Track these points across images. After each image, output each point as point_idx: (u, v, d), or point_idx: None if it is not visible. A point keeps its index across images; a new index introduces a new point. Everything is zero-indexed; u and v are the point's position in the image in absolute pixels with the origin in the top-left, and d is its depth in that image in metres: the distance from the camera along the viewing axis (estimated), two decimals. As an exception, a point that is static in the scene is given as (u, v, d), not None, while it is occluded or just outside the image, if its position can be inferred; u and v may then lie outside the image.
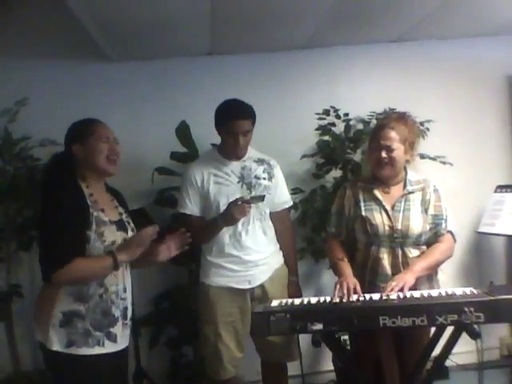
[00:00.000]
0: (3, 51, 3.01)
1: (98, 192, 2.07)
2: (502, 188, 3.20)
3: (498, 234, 3.11)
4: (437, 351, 2.18)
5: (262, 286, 2.55)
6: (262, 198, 2.43)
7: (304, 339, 2.62)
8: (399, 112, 2.40)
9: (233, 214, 2.36)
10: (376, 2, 2.72)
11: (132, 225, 2.16)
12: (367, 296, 2.11)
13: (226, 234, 2.51)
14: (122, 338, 2.05)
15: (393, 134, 2.27)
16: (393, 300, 2.03)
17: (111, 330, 2.00)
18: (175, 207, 2.85)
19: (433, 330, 2.20)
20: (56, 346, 1.91)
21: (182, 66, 3.31)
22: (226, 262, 2.53)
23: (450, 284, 2.49)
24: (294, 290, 2.64)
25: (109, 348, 1.98)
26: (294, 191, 3.20)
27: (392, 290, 2.08)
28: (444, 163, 3.12)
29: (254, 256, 2.53)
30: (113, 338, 2.00)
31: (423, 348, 2.24)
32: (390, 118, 2.37)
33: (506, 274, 3.54)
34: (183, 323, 3.14)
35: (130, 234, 2.10)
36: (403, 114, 2.37)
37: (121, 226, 2.06)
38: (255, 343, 2.65)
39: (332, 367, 3.27)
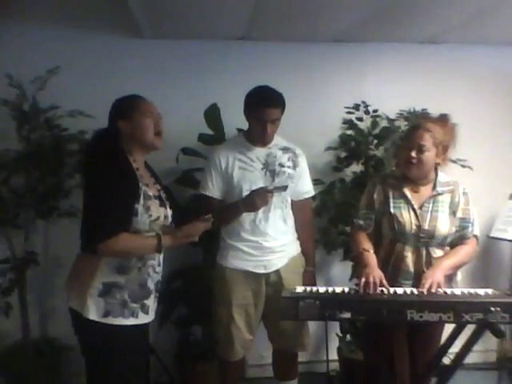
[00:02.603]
0: (39, 18, 3.01)
1: (142, 167, 2.11)
2: (516, 196, 3.28)
3: (511, 240, 3.18)
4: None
5: (277, 272, 2.58)
6: (284, 188, 2.47)
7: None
8: (441, 114, 2.38)
9: (255, 202, 2.39)
10: (416, 2, 2.74)
11: (168, 202, 2.18)
12: (391, 290, 2.16)
13: (246, 219, 2.53)
14: (152, 311, 2.11)
15: (427, 136, 2.27)
16: (421, 295, 2.09)
17: (145, 301, 2.05)
18: (196, 188, 2.89)
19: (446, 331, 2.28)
20: (93, 314, 1.94)
21: (212, 49, 3.32)
22: (244, 246, 2.56)
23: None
24: (310, 280, 2.66)
25: (142, 319, 2.04)
26: (315, 182, 3.23)
27: (427, 287, 2.13)
28: (464, 167, 3.17)
29: (272, 243, 2.56)
30: (146, 310, 2.05)
31: (435, 348, 2.32)
32: (429, 118, 2.37)
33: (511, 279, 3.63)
34: (194, 303, 3.18)
35: (169, 210, 2.14)
36: (444, 115, 2.36)
37: (161, 201, 2.10)
38: (268, 331, 2.70)
39: (335, 356, 3.35)
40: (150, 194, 2.04)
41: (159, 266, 2.13)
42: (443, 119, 2.34)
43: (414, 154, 2.28)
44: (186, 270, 3.26)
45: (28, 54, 3.04)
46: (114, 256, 1.95)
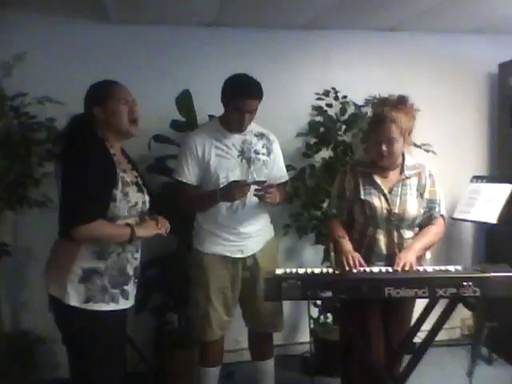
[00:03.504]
0: (3, 3, 2.91)
1: (119, 153, 2.10)
2: (477, 178, 3.42)
3: (473, 221, 3.33)
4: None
5: (253, 256, 2.64)
6: (263, 183, 2.54)
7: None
8: (398, 97, 2.36)
9: (233, 193, 2.44)
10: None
11: (146, 188, 2.19)
12: (367, 269, 2.24)
13: (223, 206, 2.56)
14: (131, 297, 2.12)
15: (394, 127, 2.29)
16: (397, 273, 2.18)
17: (125, 287, 2.06)
18: (169, 176, 2.89)
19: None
20: (74, 301, 1.94)
21: (182, 35, 3.31)
22: (220, 232, 2.60)
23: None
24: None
25: (122, 305, 2.05)
26: (287, 168, 3.28)
27: (401, 267, 2.22)
28: (428, 151, 3.29)
29: (248, 228, 2.61)
30: (126, 296, 2.06)
31: (408, 324, 2.43)
32: (391, 106, 2.32)
33: (472, 257, 3.81)
34: (170, 290, 3.19)
35: (147, 196, 2.14)
36: (403, 99, 2.35)
37: (139, 187, 2.11)
38: (243, 312, 2.76)
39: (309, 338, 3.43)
40: (128, 179, 2.04)
41: (137, 252, 2.14)
42: (404, 104, 2.34)
43: (384, 147, 2.31)
44: (162, 257, 3.25)
45: (-8, 40, 2.95)
46: (87, 241, 1.95)
